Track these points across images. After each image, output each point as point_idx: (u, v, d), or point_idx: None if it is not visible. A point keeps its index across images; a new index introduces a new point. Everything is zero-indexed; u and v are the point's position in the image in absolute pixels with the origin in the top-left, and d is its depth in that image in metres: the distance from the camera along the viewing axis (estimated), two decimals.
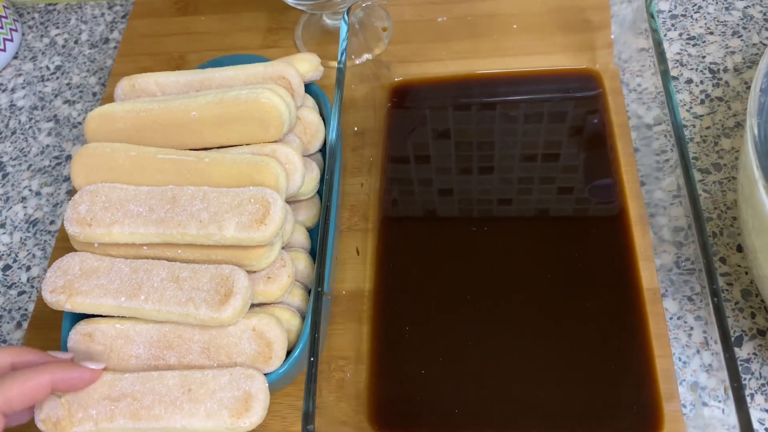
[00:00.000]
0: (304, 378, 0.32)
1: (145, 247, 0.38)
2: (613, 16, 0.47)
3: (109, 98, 0.56)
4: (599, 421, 0.35)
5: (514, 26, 0.48)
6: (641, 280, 0.39)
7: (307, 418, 0.31)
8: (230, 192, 0.37)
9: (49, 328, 0.46)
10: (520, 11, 0.48)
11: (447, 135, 0.47)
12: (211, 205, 0.37)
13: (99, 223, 0.38)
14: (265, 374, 0.35)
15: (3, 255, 0.51)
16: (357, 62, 0.48)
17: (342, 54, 0.43)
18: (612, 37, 0.47)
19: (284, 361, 0.36)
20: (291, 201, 0.42)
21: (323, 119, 0.45)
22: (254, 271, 0.38)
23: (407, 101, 0.49)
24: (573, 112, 0.47)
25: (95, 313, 0.38)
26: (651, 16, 0.41)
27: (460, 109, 0.48)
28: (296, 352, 0.36)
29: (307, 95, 0.45)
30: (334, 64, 0.53)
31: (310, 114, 0.43)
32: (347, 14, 0.44)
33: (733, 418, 0.29)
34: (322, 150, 0.45)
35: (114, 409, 0.33)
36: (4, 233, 0.52)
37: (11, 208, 0.54)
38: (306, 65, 0.45)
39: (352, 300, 0.41)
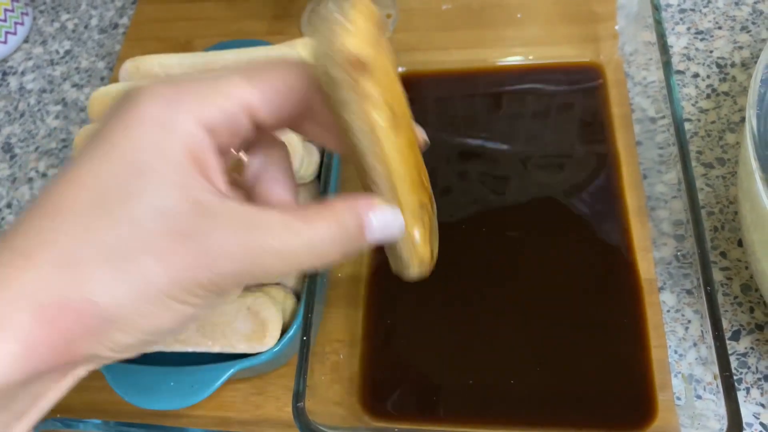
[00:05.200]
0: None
1: None
2: (619, 8, 0.47)
3: (115, 82, 0.56)
4: (591, 408, 0.35)
5: (519, 15, 0.48)
6: (639, 270, 0.39)
7: (297, 396, 0.31)
8: None
9: None
10: (526, 1, 0.48)
11: (449, 123, 0.47)
12: None
13: None
14: (259, 353, 0.35)
15: None
16: None
17: None
18: (617, 28, 0.47)
19: (278, 340, 0.36)
20: None
21: None
22: None
23: (410, 89, 0.49)
24: (575, 103, 0.47)
25: None
26: (655, 7, 0.41)
27: (463, 99, 0.48)
28: (291, 332, 0.36)
29: None
30: None
31: None
32: None
33: (723, 408, 0.29)
34: None
35: None
36: (10, 214, 0.53)
37: (18, 189, 0.54)
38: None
39: (350, 284, 0.41)
